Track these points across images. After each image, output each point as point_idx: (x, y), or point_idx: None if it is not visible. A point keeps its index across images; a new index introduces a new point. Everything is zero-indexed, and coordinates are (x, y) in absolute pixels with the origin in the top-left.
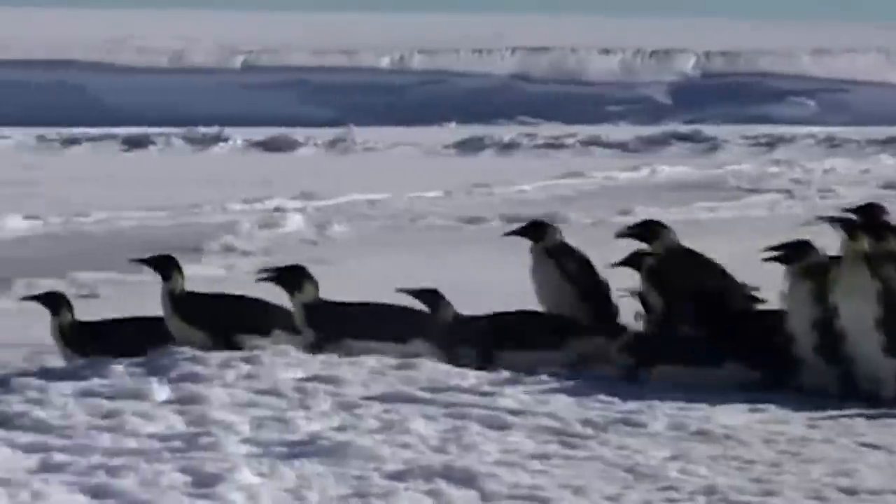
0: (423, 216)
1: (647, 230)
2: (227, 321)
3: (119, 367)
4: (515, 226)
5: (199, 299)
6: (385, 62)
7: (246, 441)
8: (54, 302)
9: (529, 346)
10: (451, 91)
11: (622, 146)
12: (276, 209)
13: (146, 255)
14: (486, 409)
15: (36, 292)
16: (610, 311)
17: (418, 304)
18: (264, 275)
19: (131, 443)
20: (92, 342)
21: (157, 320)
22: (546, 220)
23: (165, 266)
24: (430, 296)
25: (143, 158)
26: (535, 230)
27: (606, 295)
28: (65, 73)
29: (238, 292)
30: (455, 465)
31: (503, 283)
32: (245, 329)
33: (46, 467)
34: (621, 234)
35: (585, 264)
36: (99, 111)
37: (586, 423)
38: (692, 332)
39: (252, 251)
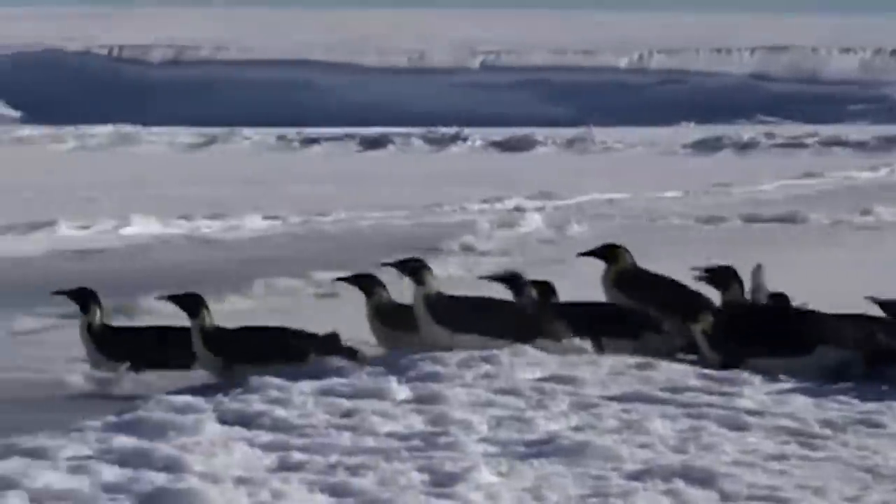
0: (663, 216)
1: (721, 278)
2: (256, 352)
3: (358, 367)
4: (756, 226)
5: (226, 333)
6: (624, 62)
7: (484, 440)
8: (84, 299)
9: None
10: (690, 90)
11: (862, 146)
12: (515, 209)
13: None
14: (725, 409)
15: (274, 292)
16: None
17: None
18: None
19: (370, 442)
20: (119, 346)
21: (182, 330)
22: (617, 243)
23: (192, 304)
24: (514, 279)
25: (382, 158)
26: (607, 252)
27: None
28: (305, 73)
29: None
30: (694, 465)
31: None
32: (276, 358)
33: (286, 466)
34: (698, 278)
35: (652, 285)
36: (338, 111)
37: (825, 423)
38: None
39: (490, 251)
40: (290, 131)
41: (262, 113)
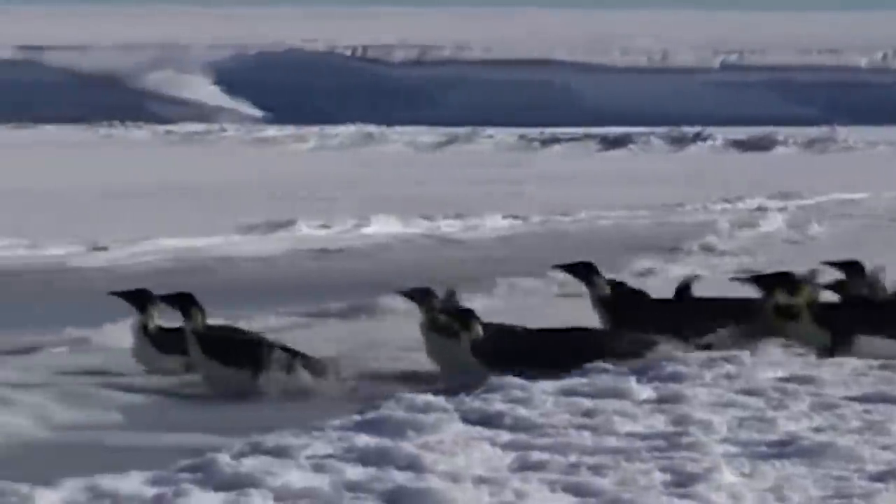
0: None
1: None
2: (251, 360)
3: (600, 366)
4: None
5: (219, 338)
6: (866, 61)
7: (726, 440)
8: (141, 300)
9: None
10: None
11: None
12: (757, 208)
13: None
14: None
15: (515, 291)
16: None
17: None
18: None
19: (611, 441)
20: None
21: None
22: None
23: (185, 305)
24: (584, 269)
25: (623, 158)
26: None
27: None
28: (547, 73)
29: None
30: None
31: None
32: (270, 367)
33: (527, 465)
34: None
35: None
36: (579, 111)
37: None
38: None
39: (732, 251)
40: (532, 131)
41: (504, 112)
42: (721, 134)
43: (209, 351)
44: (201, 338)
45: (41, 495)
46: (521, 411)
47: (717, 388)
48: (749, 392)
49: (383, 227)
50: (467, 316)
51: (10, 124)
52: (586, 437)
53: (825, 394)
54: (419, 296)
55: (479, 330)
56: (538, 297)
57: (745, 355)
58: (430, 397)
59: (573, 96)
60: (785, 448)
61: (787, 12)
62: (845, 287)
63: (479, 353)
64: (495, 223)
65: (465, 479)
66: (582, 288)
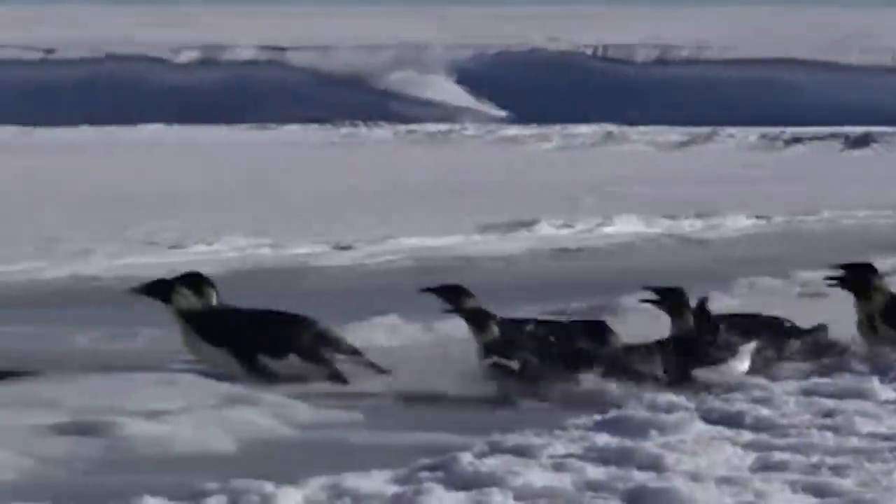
0: None
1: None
2: (247, 342)
3: (843, 367)
4: None
5: (221, 319)
6: None
7: None
8: (162, 291)
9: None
10: None
11: None
12: None
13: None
14: None
15: (757, 291)
16: None
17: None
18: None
19: (853, 442)
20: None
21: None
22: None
23: (162, 291)
24: (675, 294)
25: (866, 157)
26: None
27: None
28: (788, 72)
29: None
30: None
31: None
32: (263, 351)
33: (768, 466)
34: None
35: None
36: (822, 110)
37: None
38: None
39: None
40: (774, 130)
41: (745, 112)
42: None
43: (204, 334)
44: (187, 318)
45: (284, 493)
46: (763, 411)
47: None
48: None
49: (625, 226)
50: (482, 317)
51: (254, 125)
52: (828, 438)
53: None
54: (449, 294)
55: (495, 330)
56: (779, 296)
57: None
58: (671, 397)
59: (815, 95)
60: None
61: None
62: None
63: (492, 353)
64: (738, 223)
65: (707, 479)
66: (824, 288)
